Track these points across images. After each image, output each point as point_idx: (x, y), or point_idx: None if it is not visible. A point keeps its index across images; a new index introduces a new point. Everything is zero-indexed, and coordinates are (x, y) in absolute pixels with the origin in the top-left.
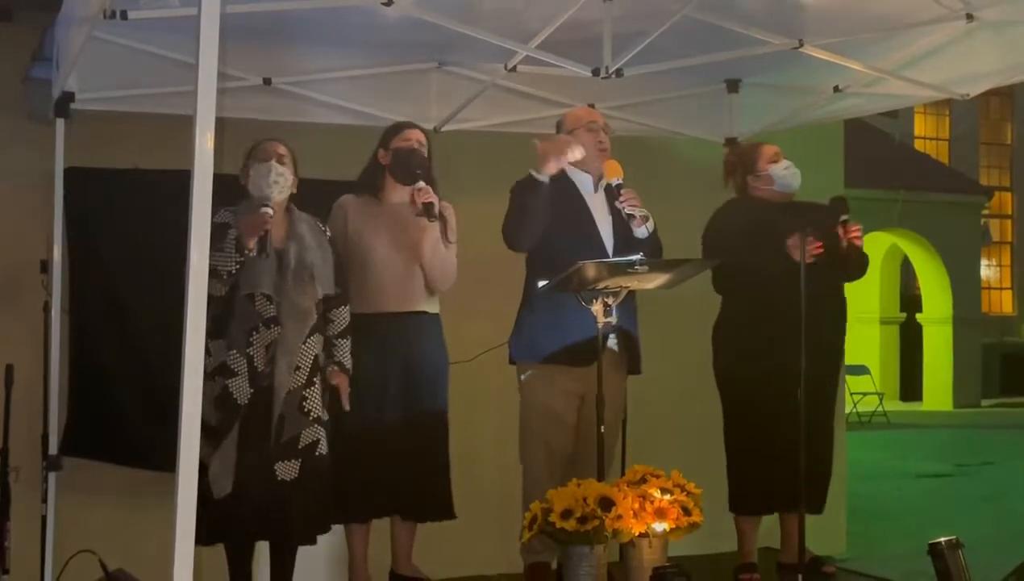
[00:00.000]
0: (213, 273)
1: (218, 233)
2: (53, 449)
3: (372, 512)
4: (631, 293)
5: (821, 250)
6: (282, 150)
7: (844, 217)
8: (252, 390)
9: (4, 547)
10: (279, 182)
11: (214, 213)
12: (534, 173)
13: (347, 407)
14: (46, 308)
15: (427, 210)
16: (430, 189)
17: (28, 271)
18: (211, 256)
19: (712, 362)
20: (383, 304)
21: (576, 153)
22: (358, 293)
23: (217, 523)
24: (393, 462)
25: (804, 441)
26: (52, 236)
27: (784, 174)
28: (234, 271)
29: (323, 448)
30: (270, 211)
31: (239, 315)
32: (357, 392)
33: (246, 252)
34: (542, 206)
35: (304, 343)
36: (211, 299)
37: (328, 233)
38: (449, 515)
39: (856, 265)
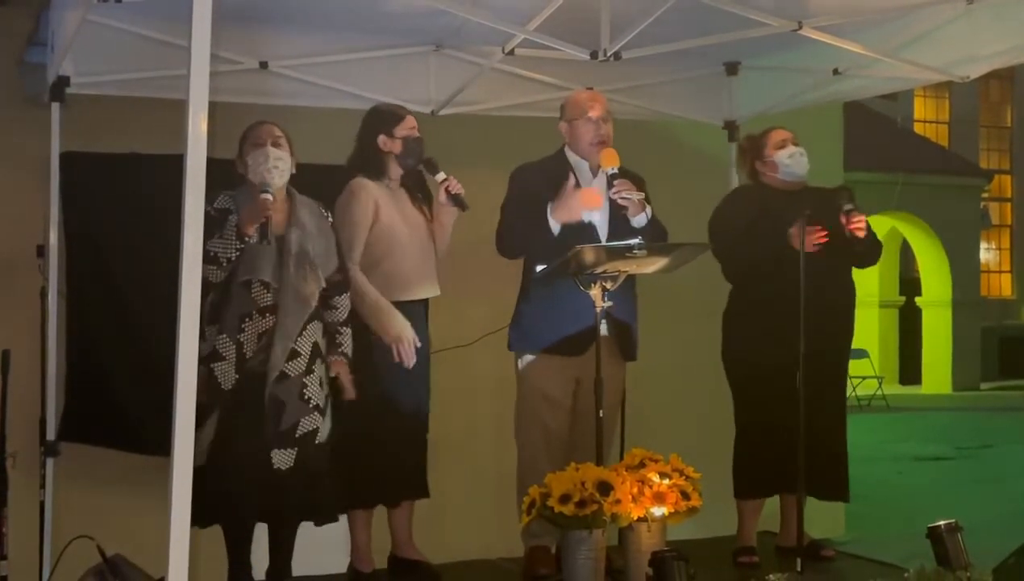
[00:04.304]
0: (213, 259)
1: (219, 219)
2: (51, 435)
3: (383, 497)
4: (631, 283)
5: (824, 239)
6: (277, 132)
7: (848, 206)
8: (238, 376)
9: (2, 533)
10: (278, 167)
11: (215, 198)
12: (551, 218)
13: (352, 396)
14: (43, 293)
15: (457, 200)
16: (454, 179)
17: (25, 256)
18: (211, 242)
19: (721, 349)
20: (410, 291)
21: (595, 213)
22: (385, 281)
23: (210, 504)
24: (397, 449)
25: (808, 426)
26: (48, 221)
27: (788, 162)
28: (233, 258)
29: (322, 436)
30: (270, 197)
31: (234, 301)
32: (378, 379)
33: (246, 239)
34: (546, 248)
35: (304, 330)
36: (209, 285)
37: (330, 218)
38: (424, 493)
39: (867, 252)
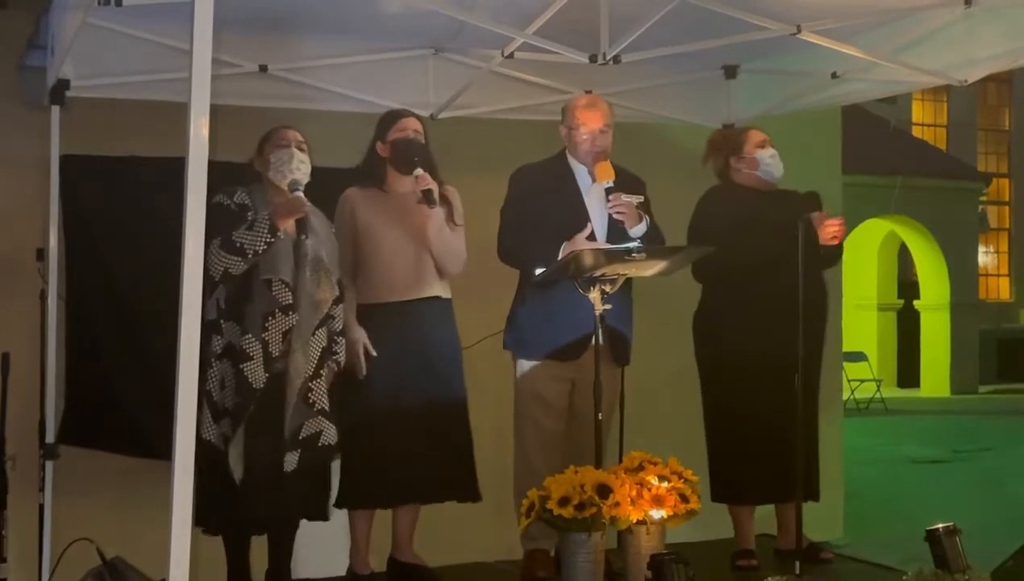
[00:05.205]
0: (239, 251)
1: (240, 213)
2: (50, 437)
3: (387, 500)
4: (627, 288)
5: (842, 229)
6: (300, 137)
7: (822, 212)
8: (267, 375)
9: (2, 535)
10: (301, 169)
11: (234, 193)
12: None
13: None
14: (42, 296)
15: (426, 196)
16: (428, 176)
17: (24, 259)
18: (238, 234)
19: (694, 350)
20: (396, 293)
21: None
22: (371, 284)
23: (227, 511)
24: (411, 449)
25: (779, 425)
26: (48, 224)
27: (769, 162)
28: (260, 251)
29: (326, 439)
30: (303, 196)
31: (256, 299)
32: (373, 381)
33: (278, 234)
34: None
35: (314, 334)
36: (228, 277)
37: (332, 227)
38: (474, 497)
39: (832, 253)
